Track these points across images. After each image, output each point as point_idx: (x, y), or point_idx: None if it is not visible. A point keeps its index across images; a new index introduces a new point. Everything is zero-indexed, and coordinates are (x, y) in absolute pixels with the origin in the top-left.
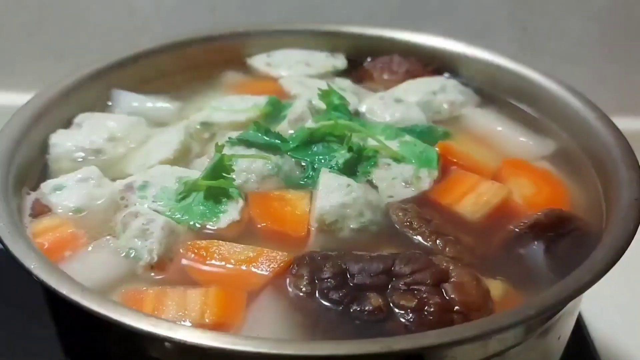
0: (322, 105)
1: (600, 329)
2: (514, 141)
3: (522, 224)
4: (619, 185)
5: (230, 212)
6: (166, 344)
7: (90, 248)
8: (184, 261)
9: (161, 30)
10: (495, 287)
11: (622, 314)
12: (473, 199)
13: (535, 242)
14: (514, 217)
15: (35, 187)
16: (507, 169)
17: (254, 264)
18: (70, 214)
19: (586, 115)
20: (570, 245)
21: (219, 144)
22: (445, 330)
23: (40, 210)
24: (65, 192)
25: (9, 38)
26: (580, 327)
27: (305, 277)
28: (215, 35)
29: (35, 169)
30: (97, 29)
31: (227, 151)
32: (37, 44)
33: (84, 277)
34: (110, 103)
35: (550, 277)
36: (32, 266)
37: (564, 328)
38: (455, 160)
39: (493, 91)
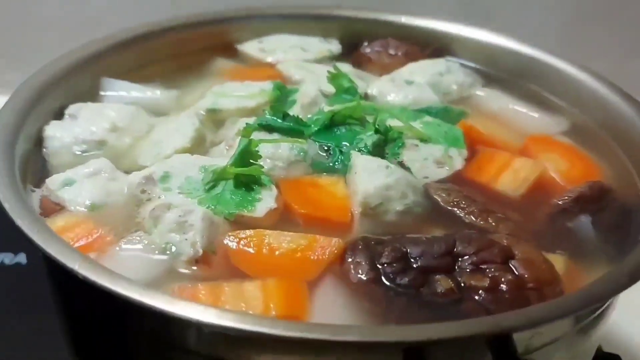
0: (330, 89)
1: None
2: (529, 118)
3: (566, 197)
4: None
5: (267, 200)
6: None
7: (120, 247)
8: (231, 253)
9: (117, 20)
10: (557, 261)
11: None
12: (511, 176)
13: (582, 215)
14: (554, 192)
15: (37, 184)
16: (534, 145)
17: (308, 251)
18: (86, 210)
19: (601, 91)
20: (612, 217)
21: (240, 129)
22: (553, 303)
23: (51, 208)
24: (77, 187)
25: None
26: None
27: (365, 263)
28: (201, 21)
29: (32, 163)
30: (48, 23)
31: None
32: None
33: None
34: (102, 92)
35: (602, 249)
36: (77, 266)
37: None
38: (479, 138)
39: (494, 71)
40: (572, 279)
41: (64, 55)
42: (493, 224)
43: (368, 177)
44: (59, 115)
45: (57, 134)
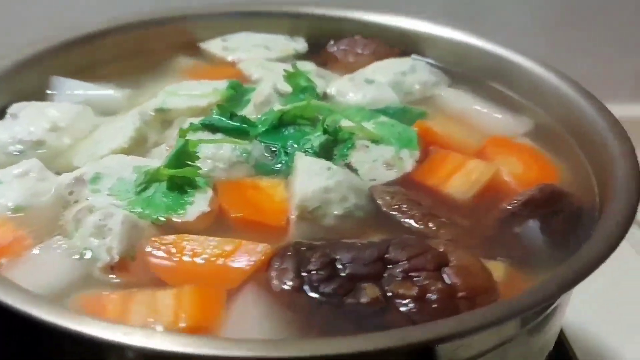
0: (288, 89)
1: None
2: (491, 119)
3: (515, 201)
4: (611, 159)
5: (199, 203)
6: (132, 353)
7: (36, 250)
8: (150, 260)
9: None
10: (496, 268)
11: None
12: (461, 178)
13: (531, 220)
14: (506, 195)
15: None
16: (492, 147)
17: (231, 258)
18: (9, 213)
19: (565, 90)
20: (565, 222)
21: (183, 129)
22: (464, 316)
23: None
24: (2, 189)
25: None
26: None
27: (291, 270)
28: (162, 18)
29: None
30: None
31: (190, 137)
32: None
33: (30, 284)
34: (49, 91)
35: (550, 255)
36: None
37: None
38: (435, 140)
39: (463, 70)
40: (513, 287)
41: (10, 53)
42: (433, 228)
43: (307, 179)
44: (1, 115)
45: None
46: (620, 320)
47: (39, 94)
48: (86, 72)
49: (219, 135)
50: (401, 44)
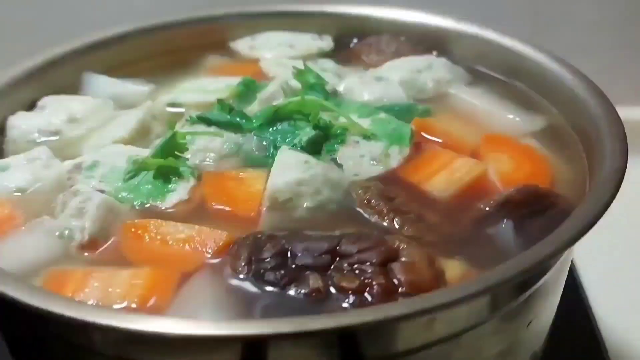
0: (299, 86)
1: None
2: (500, 118)
3: (492, 201)
4: (602, 157)
5: (179, 192)
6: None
7: (23, 229)
8: (120, 241)
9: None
10: (453, 267)
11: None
12: (444, 176)
13: (506, 221)
14: (488, 195)
15: None
16: (487, 145)
17: (190, 243)
18: (10, 194)
19: (574, 87)
20: (546, 224)
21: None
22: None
23: None
24: (9, 173)
25: None
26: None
27: (243, 257)
28: (195, 18)
29: None
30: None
31: (186, 129)
32: None
33: (12, 258)
34: (82, 86)
35: None
36: None
37: (536, 314)
38: (431, 136)
39: (485, 68)
40: None
41: (47, 49)
42: (397, 225)
43: (281, 171)
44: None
45: (18, 123)
46: None
47: (72, 89)
48: (119, 70)
49: (212, 129)
50: (426, 42)
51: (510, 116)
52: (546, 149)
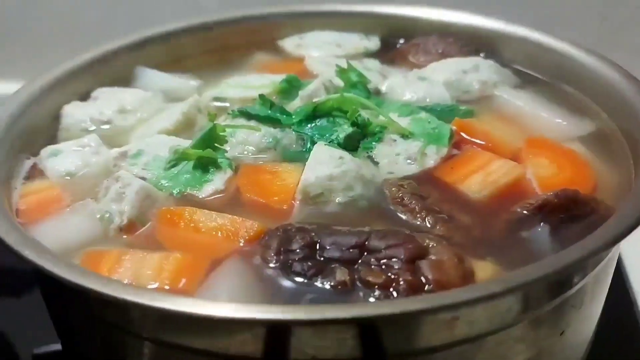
0: (342, 84)
1: None
2: (546, 121)
3: (528, 204)
4: None
5: (215, 182)
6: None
7: (67, 211)
8: (157, 226)
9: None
10: (483, 268)
11: None
12: (480, 178)
13: (542, 224)
14: (525, 199)
15: (37, 153)
16: (529, 148)
17: (222, 231)
18: (66, 178)
19: (624, 90)
20: (585, 230)
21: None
22: (388, 302)
23: (37, 173)
24: (60, 158)
25: None
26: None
27: (273, 248)
28: (245, 17)
29: (44, 137)
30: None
31: (228, 123)
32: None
33: (54, 237)
34: (134, 79)
35: None
36: None
37: (569, 323)
38: (472, 138)
39: (533, 71)
40: None
41: (102, 44)
42: (428, 224)
43: (314, 166)
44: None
45: (72, 112)
46: None
47: (124, 82)
48: (170, 65)
49: (252, 123)
50: (474, 44)
51: (557, 120)
52: (592, 154)
